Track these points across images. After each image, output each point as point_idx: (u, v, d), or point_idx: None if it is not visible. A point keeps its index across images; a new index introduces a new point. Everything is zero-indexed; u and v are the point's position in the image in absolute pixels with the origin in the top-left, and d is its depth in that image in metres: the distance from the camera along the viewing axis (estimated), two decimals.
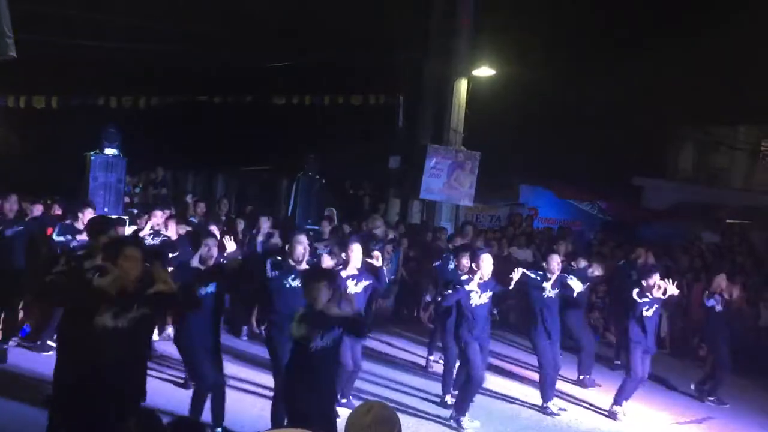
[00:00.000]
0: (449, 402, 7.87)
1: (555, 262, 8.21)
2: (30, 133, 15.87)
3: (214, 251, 6.22)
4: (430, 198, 14.59)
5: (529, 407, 8.33)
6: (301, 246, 6.56)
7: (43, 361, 7.30)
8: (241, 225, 11.21)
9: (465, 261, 7.95)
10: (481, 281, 7.37)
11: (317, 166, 14.44)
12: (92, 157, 11.08)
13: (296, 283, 6.35)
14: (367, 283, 7.07)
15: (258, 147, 18.30)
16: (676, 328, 12.17)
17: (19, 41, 11.41)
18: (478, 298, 7.40)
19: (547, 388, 8.14)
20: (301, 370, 5.09)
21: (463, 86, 14.61)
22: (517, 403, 8.42)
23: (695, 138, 20.67)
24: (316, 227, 13.28)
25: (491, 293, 7.56)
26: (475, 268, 7.39)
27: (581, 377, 9.41)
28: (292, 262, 6.54)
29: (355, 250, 7.01)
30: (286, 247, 6.82)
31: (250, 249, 9.78)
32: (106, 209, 11.00)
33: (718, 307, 9.15)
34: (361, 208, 16.84)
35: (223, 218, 11.24)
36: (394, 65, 15.70)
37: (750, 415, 8.78)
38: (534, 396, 8.50)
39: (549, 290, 8.12)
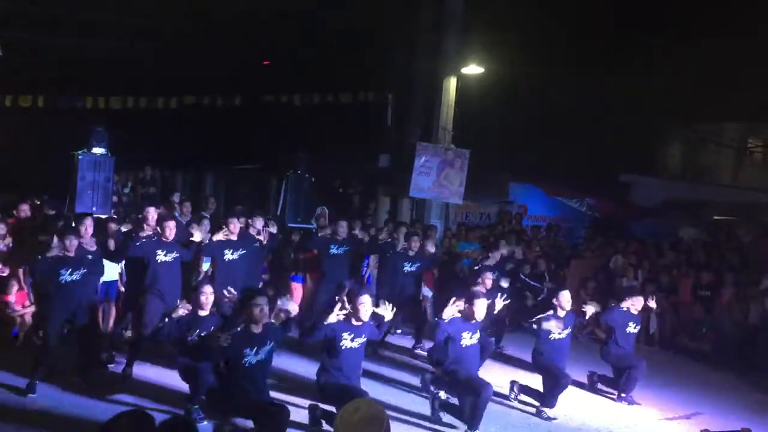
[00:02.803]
0: None
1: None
2: (17, 133, 15.77)
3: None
4: (420, 196, 14.61)
5: (519, 404, 8.37)
6: (365, 306, 6.60)
7: None
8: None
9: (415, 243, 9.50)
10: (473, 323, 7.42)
11: (307, 164, 14.41)
12: (80, 156, 10.99)
13: (355, 344, 6.57)
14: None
15: (247, 145, 18.26)
16: (666, 325, 12.24)
17: (7, 40, 11.38)
18: (469, 339, 7.43)
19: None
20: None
21: (452, 84, 14.62)
22: (508, 401, 8.45)
23: (682, 135, 20.78)
24: (305, 225, 13.28)
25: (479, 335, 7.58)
26: (467, 311, 7.39)
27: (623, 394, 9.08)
28: (354, 322, 6.59)
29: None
30: (348, 306, 6.73)
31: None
32: (94, 208, 10.93)
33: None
34: (351, 206, 16.84)
35: (208, 215, 11.17)
36: (383, 64, 15.71)
37: (738, 411, 8.83)
38: (524, 395, 8.55)
39: None
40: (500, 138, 17.15)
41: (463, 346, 7.36)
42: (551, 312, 8.37)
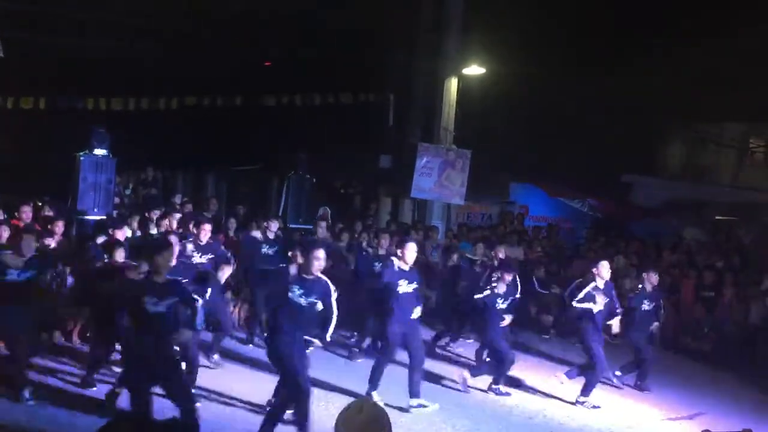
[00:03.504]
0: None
1: None
2: (18, 133, 15.76)
3: None
4: (421, 197, 14.62)
5: (521, 404, 8.37)
6: (318, 261, 6.39)
7: None
8: (233, 225, 11.20)
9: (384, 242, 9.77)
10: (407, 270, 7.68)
11: (307, 165, 14.41)
12: (81, 158, 10.99)
13: (304, 300, 6.29)
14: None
15: (248, 146, 18.24)
16: (667, 324, 12.23)
17: (8, 41, 11.36)
18: (406, 285, 7.67)
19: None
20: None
21: (453, 85, 14.63)
22: (509, 401, 8.45)
23: (683, 135, 20.79)
24: (306, 226, 13.28)
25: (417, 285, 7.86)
26: (400, 255, 7.72)
27: (639, 383, 9.62)
28: (305, 275, 6.38)
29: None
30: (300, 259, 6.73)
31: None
32: (95, 210, 10.93)
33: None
34: (352, 207, 16.84)
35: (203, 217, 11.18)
36: (383, 64, 15.70)
37: (740, 411, 8.84)
38: (526, 394, 8.56)
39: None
40: (501, 138, 17.14)
41: (400, 292, 7.62)
42: (592, 286, 8.63)
